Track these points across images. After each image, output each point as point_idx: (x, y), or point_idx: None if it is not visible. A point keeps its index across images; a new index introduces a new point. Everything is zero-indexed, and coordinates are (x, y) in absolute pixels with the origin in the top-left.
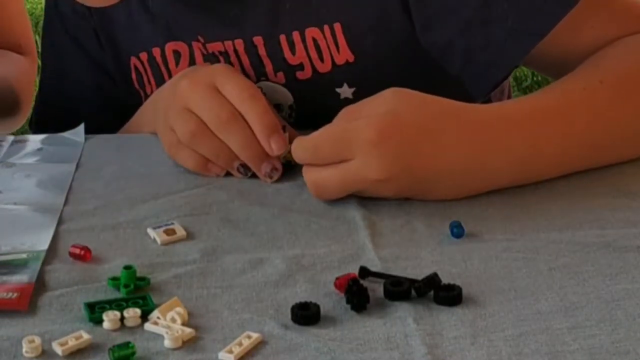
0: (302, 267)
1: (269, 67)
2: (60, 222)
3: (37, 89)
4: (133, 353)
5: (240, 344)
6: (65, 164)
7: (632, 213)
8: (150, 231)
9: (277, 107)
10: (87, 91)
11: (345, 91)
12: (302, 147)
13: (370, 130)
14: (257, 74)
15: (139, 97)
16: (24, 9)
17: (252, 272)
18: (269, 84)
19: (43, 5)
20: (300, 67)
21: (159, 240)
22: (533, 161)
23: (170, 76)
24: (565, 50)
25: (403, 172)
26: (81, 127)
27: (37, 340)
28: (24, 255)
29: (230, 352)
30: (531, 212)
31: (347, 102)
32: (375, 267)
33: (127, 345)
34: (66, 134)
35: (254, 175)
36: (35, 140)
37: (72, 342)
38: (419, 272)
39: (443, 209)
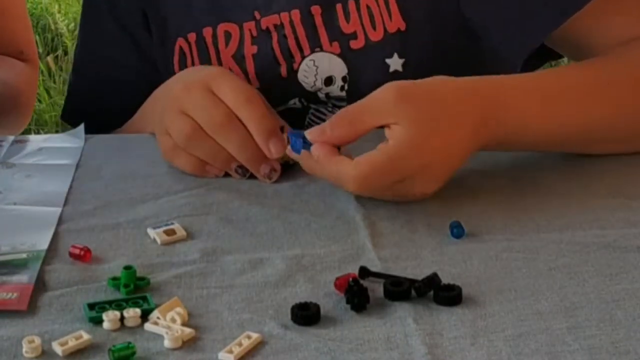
0: (302, 267)
1: (324, 37)
2: (60, 222)
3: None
4: (133, 353)
5: (240, 344)
6: (65, 164)
7: (632, 213)
8: (150, 231)
9: (330, 79)
10: (127, 75)
11: (395, 62)
12: (348, 179)
13: (417, 156)
14: (311, 45)
15: None
16: (26, 15)
17: (252, 272)
18: (324, 54)
19: (43, 5)
20: (354, 35)
21: (159, 241)
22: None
23: (218, 57)
24: (588, 38)
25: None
26: (81, 127)
27: (37, 341)
28: (24, 255)
29: (230, 352)
30: (531, 212)
31: (396, 74)
32: (375, 267)
33: (127, 345)
34: (66, 134)
35: (252, 176)
36: (35, 140)
37: (72, 342)
38: (419, 272)
39: (443, 209)
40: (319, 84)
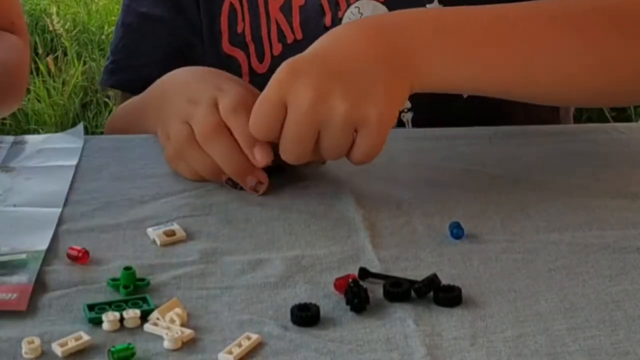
0: (302, 268)
1: None
2: (60, 223)
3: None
4: (133, 354)
5: (239, 345)
6: (65, 165)
7: (632, 214)
8: (150, 232)
9: None
10: (163, 29)
11: (435, 7)
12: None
13: (280, 74)
14: None
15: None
16: None
17: (251, 273)
18: (369, 1)
19: (42, 5)
20: None
21: (158, 241)
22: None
23: (267, 10)
24: None
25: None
26: (80, 127)
27: (37, 342)
28: (24, 256)
29: (230, 353)
30: (531, 213)
31: None
32: (374, 268)
33: (126, 346)
34: (65, 134)
35: (243, 187)
36: (34, 141)
37: (71, 343)
38: (418, 273)
39: (443, 210)
40: None
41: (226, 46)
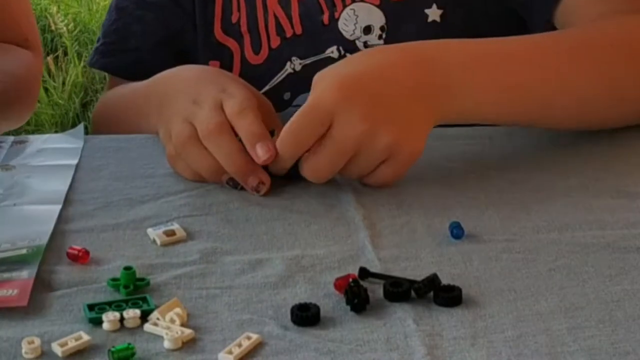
0: (302, 268)
1: None
2: (60, 223)
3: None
4: (133, 354)
5: (239, 345)
6: (65, 165)
7: (632, 214)
8: (150, 232)
9: (368, 28)
10: (155, 12)
11: (434, 13)
12: (282, 139)
13: (333, 90)
14: None
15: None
16: (28, 4)
17: (251, 273)
18: (364, 4)
19: (43, 5)
20: None
21: (158, 241)
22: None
23: (264, 1)
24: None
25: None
26: (80, 127)
27: (37, 342)
28: (24, 251)
29: (230, 353)
30: (531, 212)
31: (434, 25)
32: (375, 267)
33: (126, 346)
34: (65, 134)
35: (243, 188)
36: (34, 141)
37: (71, 343)
38: (418, 273)
39: (443, 210)
40: (358, 32)
41: (218, 34)
